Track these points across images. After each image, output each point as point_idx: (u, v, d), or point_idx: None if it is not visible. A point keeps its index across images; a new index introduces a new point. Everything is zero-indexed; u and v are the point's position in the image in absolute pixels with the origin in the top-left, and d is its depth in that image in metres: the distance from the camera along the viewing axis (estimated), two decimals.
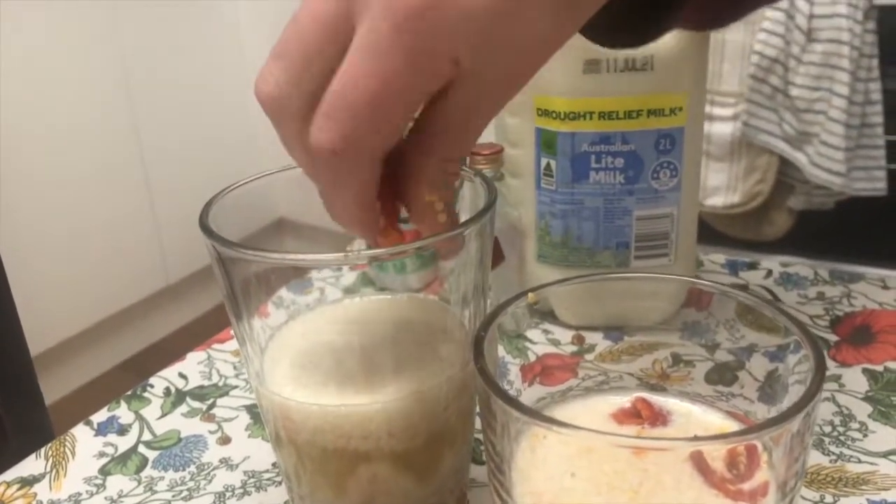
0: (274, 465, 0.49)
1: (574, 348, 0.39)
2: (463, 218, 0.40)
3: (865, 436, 0.48)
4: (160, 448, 0.51)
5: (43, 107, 1.75)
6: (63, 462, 0.50)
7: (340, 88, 0.29)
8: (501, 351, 0.35)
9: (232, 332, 0.47)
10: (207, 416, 0.53)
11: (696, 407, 0.36)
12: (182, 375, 0.57)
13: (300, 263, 0.35)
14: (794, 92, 1.45)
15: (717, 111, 1.54)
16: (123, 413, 0.54)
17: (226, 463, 0.49)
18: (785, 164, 1.54)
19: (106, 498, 0.47)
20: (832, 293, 0.62)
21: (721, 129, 1.55)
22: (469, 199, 0.40)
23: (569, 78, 0.52)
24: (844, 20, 1.38)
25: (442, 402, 0.37)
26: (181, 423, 0.53)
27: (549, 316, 0.50)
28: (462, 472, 0.42)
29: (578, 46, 0.51)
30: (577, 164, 0.54)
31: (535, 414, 0.28)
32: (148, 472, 0.49)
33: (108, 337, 1.99)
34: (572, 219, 0.56)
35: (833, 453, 0.47)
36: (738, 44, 1.48)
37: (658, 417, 0.35)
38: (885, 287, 0.62)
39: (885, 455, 0.46)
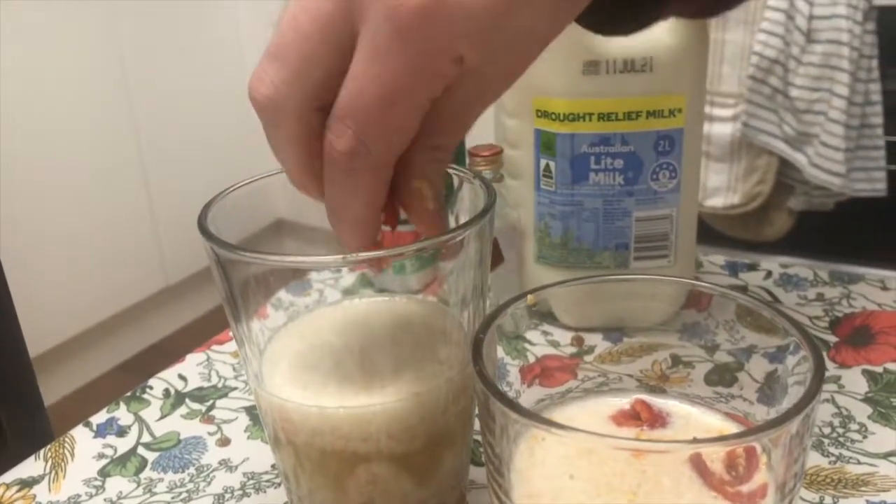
0: (273, 466, 0.49)
1: (573, 350, 0.39)
2: (462, 219, 0.40)
3: (865, 437, 0.48)
4: (159, 449, 0.51)
5: (42, 107, 1.75)
6: (62, 463, 0.50)
7: (350, 94, 0.29)
8: (501, 352, 0.35)
9: (231, 333, 0.47)
10: (207, 418, 0.53)
11: (696, 408, 0.36)
12: (181, 377, 0.57)
13: (299, 265, 0.35)
14: (794, 93, 1.45)
15: (717, 112, 1.54)
16: (123, 414, 0.54)
17: (225, 464, 0.49)
18: (785, 165, 1.54)
19: (105, 499, 0.47)
20: (832, 294, 0.62)
21: (721, 129, 1.55)
22: (468, 200, 0.40)
23: (568, 79, 0.52)
24: (844, 21, 1.38)
25: (441, 403, 0.37)
26: (180, 424, 0.53)
27: (549, 317, 0.50)
28: (461, 474, 0.42)
29: (578, 48, 0.52)
30: (576, 166, 0.54)
31: (533, 416, 0.28)
32: (147, 473, 0.49)
33: (107, 338, 1.99)
34: (572, 220, 0.56)
35: (832, 454, 0.47)
36: (737, 45, 1.48)
37: (657, 419, 0.35)
38: (885, 288, 0.62)
39: (885, 456, 0.46)
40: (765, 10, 1.43)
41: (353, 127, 0.29)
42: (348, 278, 0.45)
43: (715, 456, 0.28)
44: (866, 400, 0.51)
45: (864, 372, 0.53)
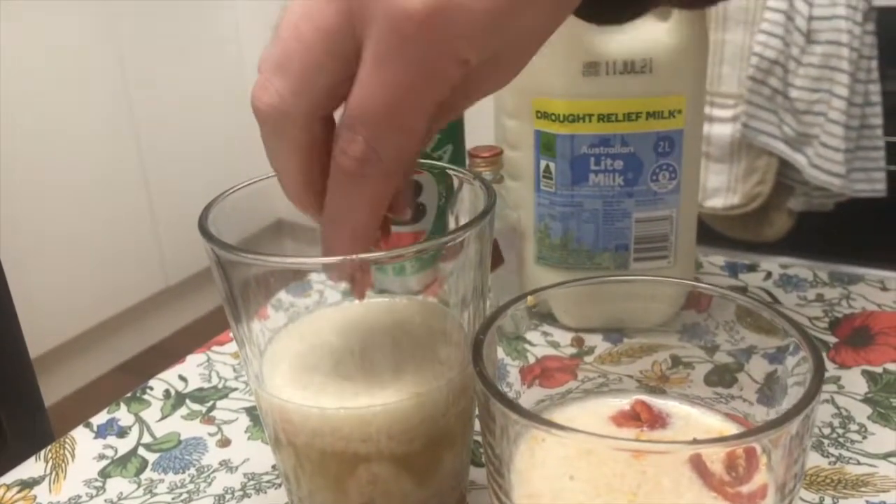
0: (273, 467, 0.49)
1: (573, 350, 0.39)
2: (463, 221, 0.40)
3: (865, 437, 0.48)
4: (160, 450, 0.51)
5: (42, 108, 1.75)
6: (63, 464, 0.50)
7: (359, 101, 0.29)
8: (501, 353, 0.35)
9: (231, 334, 0.47)
10: (207, 419, 0.53)
11: (695, 409, 0.36)
12: (182, 378, 0.57)
13: (300, 266, 0.35)
14: (794, 93, 1.45)
15: (717, 113, 1.54)
16: (123, 415, 0.54)
17: (225, 465, 0.49)
18: (784, 166, 1.54)
19: (106, 500, 0.47)
20: (831, 295, 0.62)
21: (721, 130, 1.55)
22: (469, 201, 0.40)
23: (568, 80, 0.52)
24: (844, 22, 1.38)
25: (441, 404, 0.37)
26: (181, 425, 0.53)
27: (549, 318, 0.50)
28: (461, 475, 0.42)
29: (578, 49, 0.52)
30: (576, 167, 0.54)
31: (533, 417, 0.28)
32: (148, 474, 0.49)
33: (107, 339, 1.99)
34: (572, 221, 0.56)
35: (832, 455, 0.47)
36: (737, 45, 1.48)
37: (657, 420, 0.35)
38: (885, 289, 0.62)
39: (885, 457, 0.46)
40: (764, 11, 1.43)
41: (364, 134, 0.29)
42: None
43: (715, 457, 0.29)
44: (866, 400, 0.51)
45: (864, 372, 0.53)
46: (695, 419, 0.35)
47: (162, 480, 0.48)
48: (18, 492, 0.48)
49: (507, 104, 0.56)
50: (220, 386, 0.57)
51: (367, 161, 0.30)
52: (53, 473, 0.49)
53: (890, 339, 0.56)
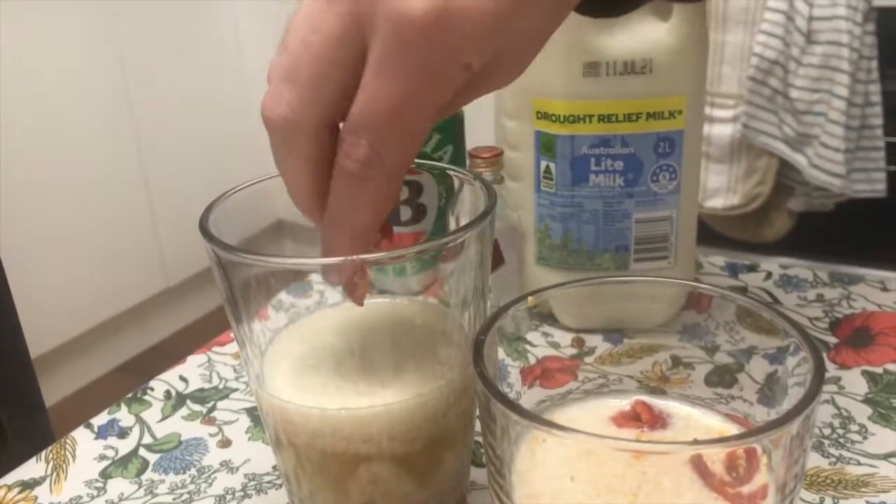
0: (274, 467, 0.49)
1: (574, 351, 0.39)
2: (463, 221, 0.40)
3: (865, 438, 0.48)
4: (161, 451, 0.51)
5: (42, 108, 1.75)
6: (63, 465, 0.50)
7: (363, 106, 0.29)
8: (501, 353, 0.35)
9: (232, 334, 0.47)
10: (208, 419, 0.53)
11: (696, 410, 0.36)
12: (182, 378, 0.57)
13: (301, 267, 0.35)
14: (794, 94, 1.45)
15: (717, 113, 1.54)
16: (124, 416, 0.54)
17: (226, 466, 0.49)
18: (785, 166, 1.54)
19: (107, 501, 0.47)
20: (831, 295, 0.62)
21: (721, 130, 1.55)
22: (469, 202, 0.40)
23: (568, 81, 0.52)
24: (844, 22, 1.38)
25: (442, 405, 0.37)
26: (181, 426, 0.53)
27: (549, 318, 0.50)
28: (462, 475, 0.42)
29: (578, 50, 0.52)
30: (576, 167, 0.54)
31: (534, 417, 0.28)
32: (148, 475, 0.49)
33: (107, 339, 1.99)
34: (572, 221, 0.56)
35: (833, 455, 0.47)
36: (737, 46, 1.48)
37: (657, 420, 0.35)
38: (885, 289, 0.62)
39: (885, 457, 0.46)
40: (764, 12, 1.43)
41: (367, 137, 0.30)
42: None
43: (715, 457, 0.29)
44: (866, 401, 0.51)
45: (864, 373, 0.53)
46: (695, 420, 0.35)
47: (163, 481, 0.48)
48: (19, 492, 0.48)
49: (508, 105, 0.56)
50: (220, 386, 0.57)
51: (371, 164, 0.30)
52: (54, 474, 0.49)
53: (890, 340, 0.56)
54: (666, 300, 0.36)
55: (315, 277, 0.41)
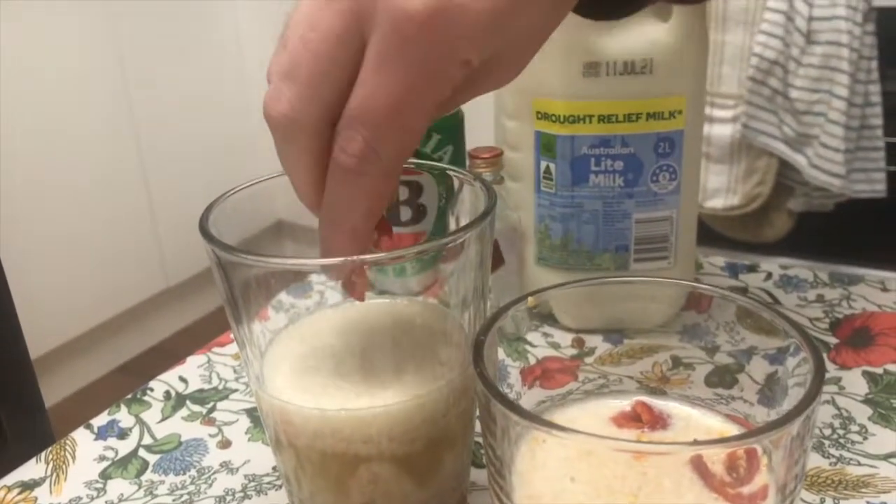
0: (274, 468, 0.49)
1: (574, 351, 0.39)
2: (463, 222, 0.40)
3: (865, 438, 0.48)
4: (161, 452, 0.51)
5: (42, 108, 1.75)
6: (63, 466, 0.50)
7: (360, 101, 0.29)
8: (501, 354, 0.35)
9: (232, 335, 0.47)
10: (208, 420, 0.53)
11: (696, 410, 0.36)
12: (182, 379, 0.57)
13: (300, 268, 0.35)
14: (794, 94, 1.45)
15: (717, 113, 1.54)
16: (124, 417, 0.54)
17: (226, 467, 0.49)
18: (784, 166, 1.54)
19: (107, 502, 0.47)
20: (832, 296, 0.62)
21: (721, 130, 1.55)
22: (469, 202, 0.40)
23: (568, 81, 0.52)
24: (843, 22, 1.38)
25: (442, 405, 0.37)
26: (181, 426, 0.53)
27: (549, 319, 0.50)
28: (462, 476, 0.42)
29: (578, 50, 0.52)
30: (576, 168, 0.54)
31: (534, 418, 0.28)
32: (148, 475, 0.49)
33: (107, 340, 1.99)
34: (572, 222, 0.56)
35: (833, 456, 0.47)
36: (737, 46, 1.48)
37: (658, 421, 0.35)
38: (885, 289, 0.62)
39: (886, 458, 0.46)
40: (764, 12, 1.43)
41: (363, 133, 0.29)
42: None
43: (716, 458, 0.29)
44: (866, 401, 0.51)
45: (865, 373, 0.53)
46: (695, 420, 0.35)
47: (162, 482, 0.48)
48: (19, 493, 0.48)
49: (508, 105, 0.56)
50: (220, 387, 0.57)
51: (366, 160, 0.30)
52: (54, 475, 0.49)
53: (890, 340, 0.56)
54: (666, 300, 0.36)
55: (315, 278, 0.41)
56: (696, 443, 0.31)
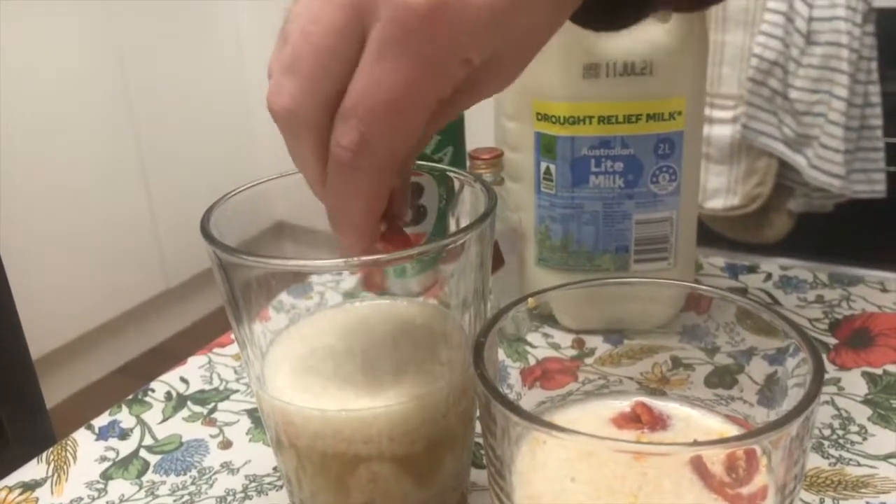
0: (275, 469, 0.49)
1: (574, 352, 0.39)
2: (463, 223, 0.40)
3: (865, 439, 0.48)
4: (161, 452, 0.51)
5: (42, 108, 1.75)
6: (64, 466, 0.50)
7: (357, 94, 0.29)
8: (501, 354, 0.35)
9: (233, 336, 0.47)
10: (208, 421, 0.54)
11: (696, 411, 0.36)
12: (183, 380, 0.58)
13: (301, 269, 0.35)
14: (794, 94, 1.45)
15: (717, 114, 1.54)
16: (125, 417, 0.54)
17: (227, 467, 0.49)
18: (784, 167, 1.54)
19: (108, 502, 0.47)
20: (831, 296, 0.62)
21: (721, 131, 1.55)
22: (469, 203, 0.40)
23: (568, 82, 0.52)
24: (843, 23, 1.38)
25: (442, 406, 0.37)
26: (182, 427, 0.53)
27: (550, 319, 0.50)
28: (462, 476, 0.42)
29: (578, 51, 0.52)
30: (576, 168, 0.54)
31: (534, 419, 0.29)
32: (149, 476, 0.49)
33: (108, 341, 1.99)
34: (572, 223, 0.56)
35: (832, 456, 0.47)
36: (737, 47, 1.48)
37: (658, 422, 0.35)
38: (884, 290, 0.62)
39: (885, 458, 0.46)
40: (764, 13, 1.43)
41: (359, 126, 0.29)
42: (349, 281, 0.46)
43: (715, 458, 0.29)
44: (866, 402, 0.51)
45: (864, 374, 0.53)
46: (695, 421, 0.35)
47: (163, 482, 0.48)
48: (20, 494, 0.48)
49: (508, 106, 0.56)
50: (221, 388, 0.57)
51: (360, 152, 0.30)
52: (55, 475, 0.49)
53: (890, 341, 0.56)
54: (666, 301, 0.36)
55: (315, 279, 0.41)
56: (695, 443, 0.31)
